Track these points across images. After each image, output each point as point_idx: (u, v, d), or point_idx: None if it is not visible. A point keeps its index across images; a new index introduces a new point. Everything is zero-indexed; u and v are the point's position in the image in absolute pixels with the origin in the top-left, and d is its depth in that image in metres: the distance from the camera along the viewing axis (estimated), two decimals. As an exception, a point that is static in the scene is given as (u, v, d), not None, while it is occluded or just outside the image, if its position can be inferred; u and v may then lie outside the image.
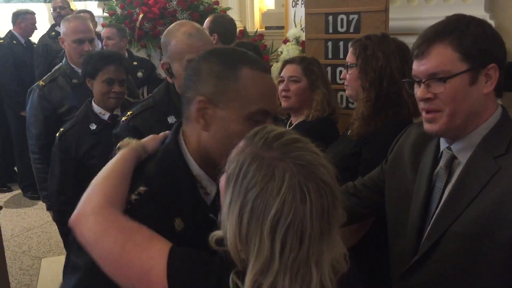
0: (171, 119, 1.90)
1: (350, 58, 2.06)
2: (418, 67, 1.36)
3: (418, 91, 1.37)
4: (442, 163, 1.41)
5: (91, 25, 3.17)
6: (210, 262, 1.00)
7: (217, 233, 1.01)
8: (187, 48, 1.87)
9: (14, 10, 5.71)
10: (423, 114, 1.39)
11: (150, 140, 1.32)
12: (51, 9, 5.11)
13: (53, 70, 3.08)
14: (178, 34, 1.94)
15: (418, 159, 1.49)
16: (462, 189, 1.32)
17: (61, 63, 3.09)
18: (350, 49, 2.07)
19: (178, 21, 2.14)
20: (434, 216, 1.38)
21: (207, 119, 1.18)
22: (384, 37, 2.04)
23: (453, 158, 1.39)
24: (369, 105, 1.95)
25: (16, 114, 5.44)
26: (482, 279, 1.27)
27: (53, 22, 5.38)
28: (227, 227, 0.95)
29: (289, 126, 2.58)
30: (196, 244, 1.08)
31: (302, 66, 2.54)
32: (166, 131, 1.35)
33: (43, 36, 5.27)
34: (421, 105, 1.38)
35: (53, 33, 5.10)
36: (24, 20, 5.45)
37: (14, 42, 5.44)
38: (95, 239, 1.08)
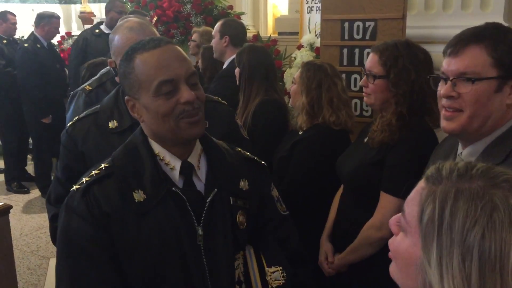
0: (112, 124, 1.78)
1: (376, 68, 1.95)
2: (448, 65, 1.39)
3: (443, 88, 1.40)
4: None
5: (153, 30, 2.45)
6: None
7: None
8: (127, 42, 1.75)
9: (30, 10, 5.68)
10: (443, 111, 1.42)
11: None
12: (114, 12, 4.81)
13: (99, 75, 2.67)
14: (121, 29, 1.86)
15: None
16: None
17: (109, 67, 2.64)
18: (375, 57, 1.96)
19: (125, 18, 2.03)
20: None
21: (138, 113, 1.33)
22: (410, 46, 1.96)
23: None
24: (399, 117, 1.91)
25: (37, 120, 5.37)
26: None
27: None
28: None
29: None
30: (161, 214, 1.26)
31: (300, 70, 2.55)
32: None
33: (85, 30, 5.22)
34: (443, 101, 1.41)
35: (97, 30, 4.99)
36: (49, 23, 5.37)
37: (38, 46, 5.33)
38: None
